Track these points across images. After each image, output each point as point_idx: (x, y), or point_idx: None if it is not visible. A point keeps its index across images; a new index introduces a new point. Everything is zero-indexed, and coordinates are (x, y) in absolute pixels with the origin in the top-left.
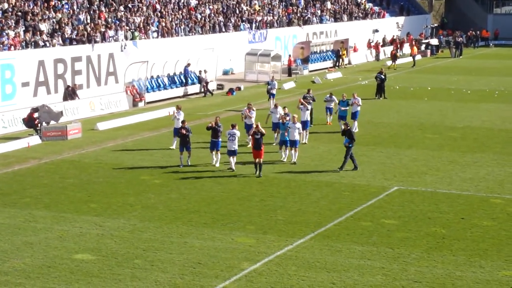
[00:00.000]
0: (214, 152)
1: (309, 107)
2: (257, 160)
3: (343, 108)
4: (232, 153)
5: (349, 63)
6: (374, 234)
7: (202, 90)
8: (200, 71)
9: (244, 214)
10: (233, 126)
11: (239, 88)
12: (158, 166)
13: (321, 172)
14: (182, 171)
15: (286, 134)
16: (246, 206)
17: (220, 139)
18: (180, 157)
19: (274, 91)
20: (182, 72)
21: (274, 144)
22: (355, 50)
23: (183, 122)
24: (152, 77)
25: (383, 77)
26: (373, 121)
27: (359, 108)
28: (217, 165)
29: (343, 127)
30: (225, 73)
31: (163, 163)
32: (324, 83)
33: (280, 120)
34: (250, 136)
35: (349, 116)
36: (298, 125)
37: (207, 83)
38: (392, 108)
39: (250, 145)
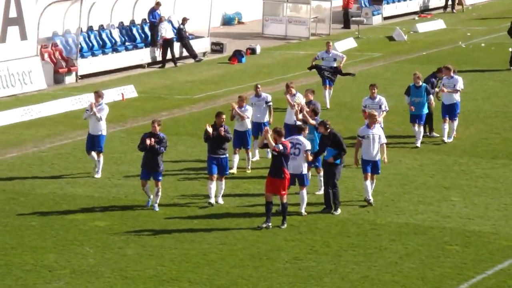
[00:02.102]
0: (215, 180)
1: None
2: (272, 198)
3: (416, 99)
4: (298, 180)
5: (463, 3)
6: None
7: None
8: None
9: (263, 286)
10: (299, 130)
11: (252, 51)
12: (101, 196)
13: (406, 207)
14: (148, 208)
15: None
16: (265, 270)
17: (227, 155)
18: (145, 189)
19: (329, 72)
20: (147, 20)
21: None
22: None
23: (154, 123)
24: (90, 28)
25: None
26: (504, 111)
27: (458, 98)
28: (220, 201)
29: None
30: (227, 22)
31: (112, 189)
32: (411, 41)
33: (296, 119)
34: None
35: (434, 112)
36: (379, 131)
37: (166, 42)
38: None
39: (233, 170)
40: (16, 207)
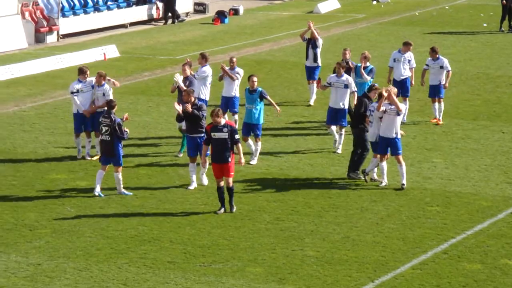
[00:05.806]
0: (195, 162)
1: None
2: (221, 183)
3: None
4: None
5: None
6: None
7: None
8: None
9: (244, 246)
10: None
11: (235, 12)
12: (81, 155)
13: (388, 168)
14: (129, 166)
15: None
16: (247, 230)
17: (203, 134)
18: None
19: (315, 73)
20: None
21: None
22: None
23: (111, 104)
24: None
25: None
26: (486, 73)
27: (443, 80)
28: (205, 182)
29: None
30: None
31: (93, 148)
32: (394, 3)
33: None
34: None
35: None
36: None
37: None
38: None
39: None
40: None
